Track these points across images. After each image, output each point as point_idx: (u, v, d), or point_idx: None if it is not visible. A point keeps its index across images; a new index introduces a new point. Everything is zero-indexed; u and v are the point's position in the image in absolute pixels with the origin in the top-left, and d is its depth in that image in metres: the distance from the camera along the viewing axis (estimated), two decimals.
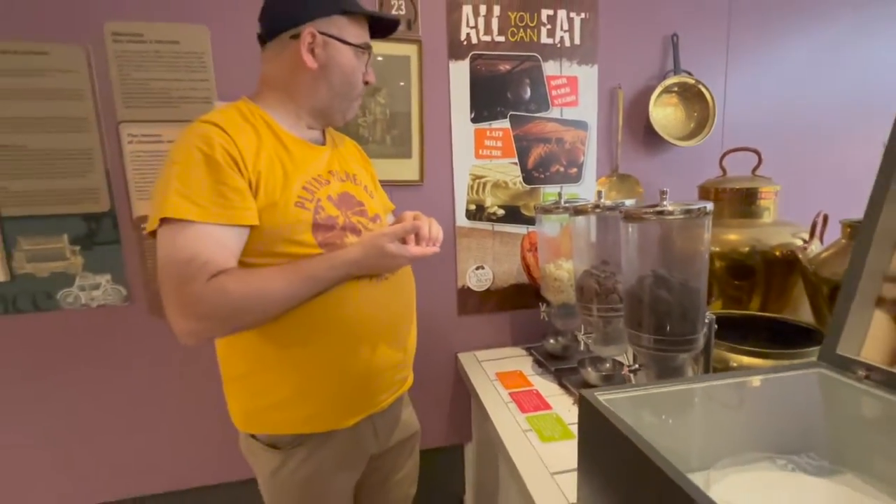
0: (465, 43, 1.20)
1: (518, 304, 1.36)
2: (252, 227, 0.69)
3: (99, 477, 1.18)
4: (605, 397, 0.61)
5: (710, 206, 0.72)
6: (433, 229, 0.79)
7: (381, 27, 0.85)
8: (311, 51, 0.75)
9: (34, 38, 0.99)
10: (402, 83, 1.18)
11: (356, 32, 0.78)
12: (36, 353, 1.09)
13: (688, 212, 0.72)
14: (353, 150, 0.94)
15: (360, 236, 0.77)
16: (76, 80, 1.02)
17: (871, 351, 0.64)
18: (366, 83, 0.82)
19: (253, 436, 0.79)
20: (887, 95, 1.54)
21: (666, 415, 0.66)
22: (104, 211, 1.07)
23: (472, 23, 1.19)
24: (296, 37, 0.74)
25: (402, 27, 1.15)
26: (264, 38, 0.78)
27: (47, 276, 1.07)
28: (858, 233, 0.66)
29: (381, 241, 0.73)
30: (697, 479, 0.60)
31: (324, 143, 0.84)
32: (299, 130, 0.80)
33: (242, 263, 0.70)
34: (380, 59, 1.14)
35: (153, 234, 0.67)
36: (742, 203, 1.17)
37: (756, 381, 0.68)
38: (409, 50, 1.16)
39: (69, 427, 1.14)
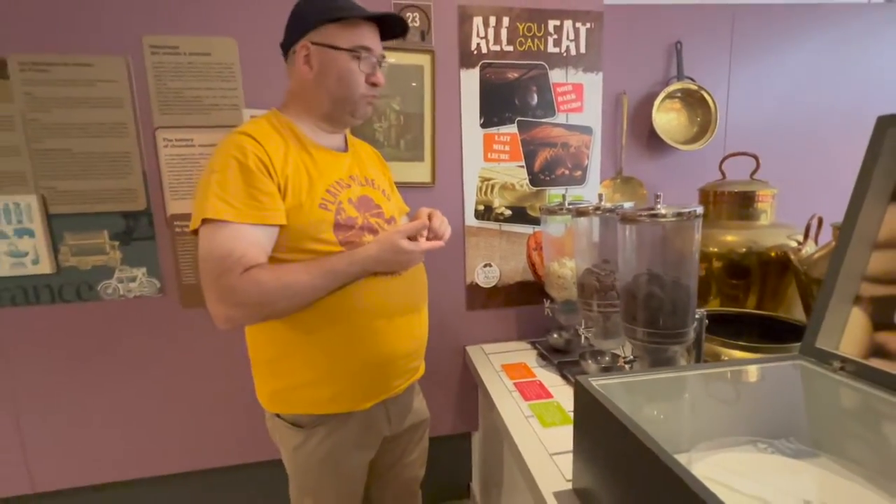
0: (475, 52, 1.27)
1: (524, 300, 1.43)
2: (281, 227, 0.77)
3: (131, 455, 1.28)
4: (598, 383, 0.67)
5: (700, 209, 0.78)
6: (442, 226, 0.88)
7: (392, 28, 0.88)
8: (309, 62, 0.82)
9: (81, 50, 1.09)
10: (415, 91, 1.25)
11: (350, 37, 0.81)
12: (79, 340, 1.19)
13: (679, 214, 0.78)
14: (372, 156, 1.02)
15: (377, 235, 0.85)
16: (117, 89, 1.11)
17: (849, 345, 0.69)
18: (373, 84, 0.85)
19: (278, 415, 0.87)
20: (884, 102, 1.56)
21: (656, 400, 0.72)
22: (141, 209, 1.17)
23: (482, 33, 1.26)
24: (296, 53, 0.83)
25: (416, 38, 1.23)
26: (286, 62, 0.87)
27: (89, 269, 1.16)
28: (839, 235, 0.71)
29: (395, 237, 0.80)
30: (681, 459, 0.66)
31: (346, 150, 0.92)
32: (321, 138, 0.87)
33: (273, 259, 0.78)
34: (391, 61, 1.17)
35: (195, 232, 0.75)
36: (740, 206, 1.22)
37: (741, 371, 0.74)
38: (423, 59, 1.24)
39: (108, 408, 1.24)
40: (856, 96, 1.55)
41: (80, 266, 1.16)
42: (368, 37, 0.84)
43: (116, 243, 1.17)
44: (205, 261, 0.73)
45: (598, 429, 0.63)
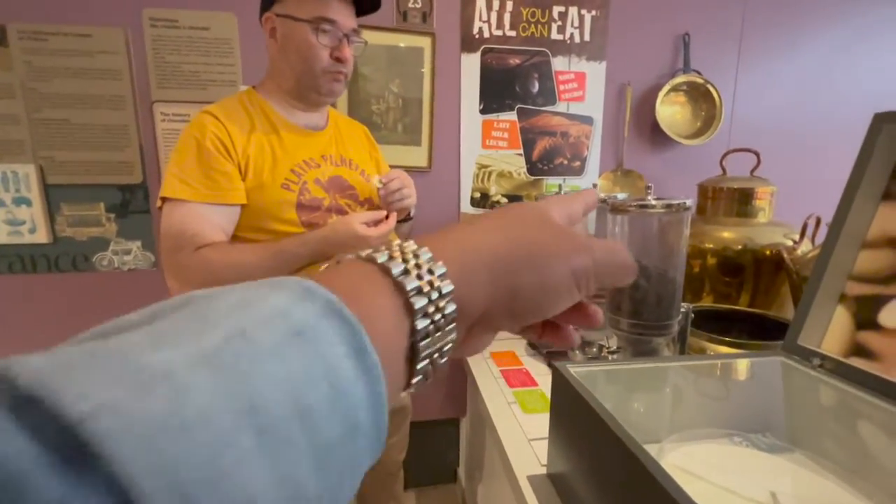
0: (477, 37, 1.25)
1: None
2: (243, 206, 0.78)
3: None
4: (576, 370, 0.68)
5: (689, 202, 0.77)
6: (401, 191, 0.85)
7: (365, 3, 0.84)
8: (274, 35, 0.80)
9: (80, 21, 1.09)
10: (415, 73, 1.24)
11: (312, 7, 0.77)
12: (72, 309, 1.21)
13: (668, 206, 0.77)
14: (358, 134, 0.99)
15: (318, 216, 0.83)
16: (116, 61, 1.12)
17: (831, 343, 0.69)
18: (337, 59, 0.81)
19: None
20: (892, 100, 1.53)
21: (635, 389, 0.72)
22: (137, 183, 1.17)
23: (484, 17, 1.24)
24: (264, 24, 0.82)
25: (417, 20, 1.22)
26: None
27: (85, 240, 1.18)
28: (828, 233, 0.70)
29: (352, 221, 0.77)
30: (654, 448, 0.66)
31: (324, 128, 0.90)
32: (295, 116, 0.86)
33: (236, 238, 0.79)
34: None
35: (161, 209, 0.77)
36: (738, 202, 1.20)
37: (721, 364, 0.74)
38: (423, 42, 1.22)
39: None
40: (866, 95, 1.52)
41: (77, 237, 1.17)
42: (334, 8, 0.79)
43: (112, 215, 1.18)
44: (162, 238, 0.75)
45: (572, 415, 0.63)
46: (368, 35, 1.18)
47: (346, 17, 0.81)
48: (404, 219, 0.96)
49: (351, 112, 1.22)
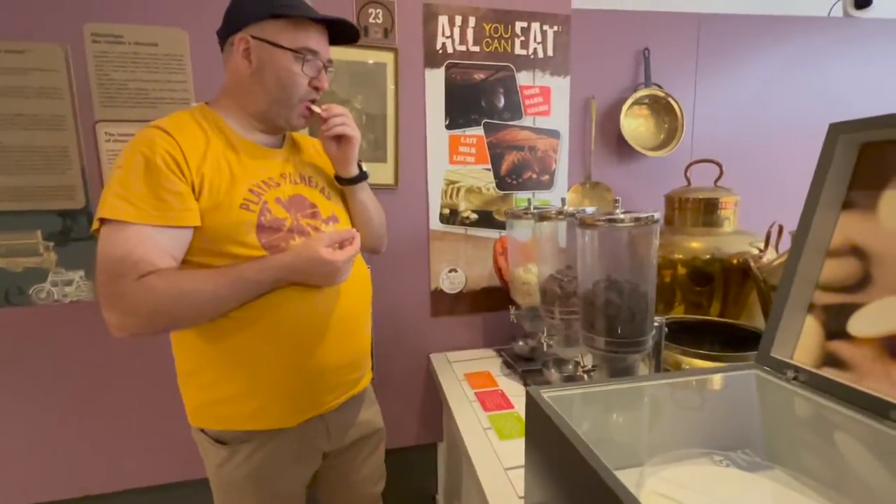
0: (440, 52, 1.24)
1: (490, 306, 1.40)
2: (196, 228, 0.71)
3: (69, 471, 1.19)
4: (550, 394, 0.64)
5: (657, 215, 0.76)
6: (342, 116, 0.85)
7: (343, 33, 0.83)
8: (248, 57, 0.76)
9: (14, 36, 1.01)
10: (378, 89, 1.21)
11: (294, 37, 0.76)
12: (6, 348, 1.10)
13: (637, 220, 0.76)
14: (314, 151, 0.95)
15: (284, 239, 0.78)
16: (54, 78, 1.04)
17: (803, 354, 0.68)
18: (316, 89, 0.81)
19: (202, 430, 0.81)
20: (842, 113, 1.60)
21: (613, 411, 0.69)
22: (79, 208, 1.09)
23: (447, 33, 1.23)
24: (234, 44, 0.77)
25: (378, 35, 1.19)
26: (222, 50, 0.81)
27: (20, 272, 1.08)
28: (792, 243, 0.70)
29: (315, 245, 0.73)
30: (635, 473, 0.63)
31: (280, 147, 0.86)
32: (252, 134, 0.81)
33: (190, 262, 0.72)
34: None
35: (97, 233, 0.69)
36: (704, 212, 1.21)
37: (698, 381, 0.72)
38: (386, 57, 1.20)
39: (37, 419, 1.15)
40: (816, 107, 1.59)
41: (11, 268, 1.07)
42: (315, 38, 0.78)
43: (51, 244, 1.08)
44: (99, 264, 0.67)
45: (546, 444, 0.60)
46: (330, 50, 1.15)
47: (324, 48, 0.81)
48: (358, 177, 0.91)
49: (313, 128, 1.17)
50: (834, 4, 1.62)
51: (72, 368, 1.15)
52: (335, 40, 0.84)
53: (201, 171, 0.72)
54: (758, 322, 1.12)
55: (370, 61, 1.19)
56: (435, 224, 1.31)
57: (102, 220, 0.67)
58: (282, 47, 0.76)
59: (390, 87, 1.21)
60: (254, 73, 0.77)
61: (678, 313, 1.20)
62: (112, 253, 0.66)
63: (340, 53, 1.16)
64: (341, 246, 0.77)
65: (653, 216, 0.76)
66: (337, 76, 1.17)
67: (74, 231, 1.09)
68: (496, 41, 1.27)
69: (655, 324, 0.81)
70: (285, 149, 0.86)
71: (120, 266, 0.66)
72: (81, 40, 1.04)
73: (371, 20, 1.17)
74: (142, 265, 0.66)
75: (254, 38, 0.75)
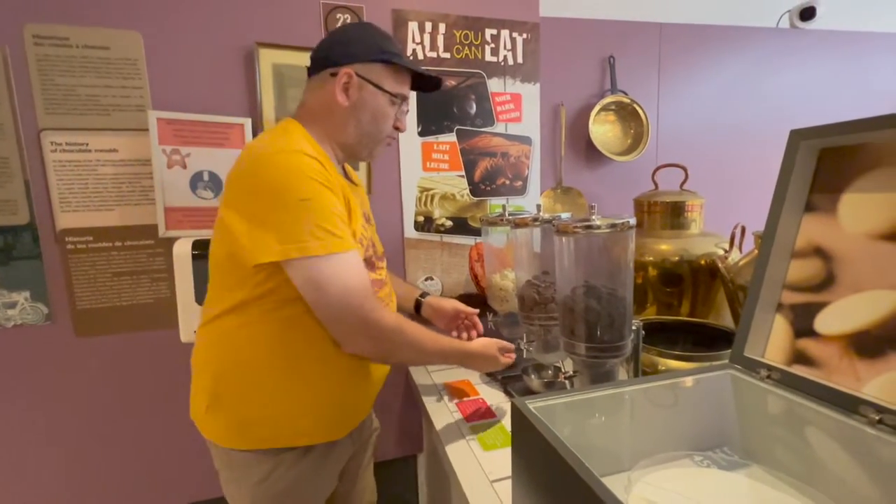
0: (411, 58, 1.22)
1: None
2: None
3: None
4: (535, 404, 0.63)
5: (633, 220, 0.77)
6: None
7: (425, 82, 0.90)
8: (346, 90, 0.80)
9: None
10: None
11: (394, 82, 0.83)
12: None
13: (613, 226, 0.77)
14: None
15: (377, 273, 0.86)
16: None
17: (774, 352, 0.70)
18: (396, 128, 0.87)
19: (239, 450, 0.79)
20: (793, 117, 1.70)
21: (597, 418, 0.69)
22: (23, 224, 1.00)
23: (417, 39, 1.22)
24: (335, 75, 0.79)
25: None
26: (310, 72, 0.84)
27: None
28: (760, 245, 0.72)
29: (494, 348, 0.90)
30: (622, 479, 0.63)
31: (354, 183, 0.91)
32: (337, 165, 0.84)
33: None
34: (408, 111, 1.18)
35: (262, 263, 0.70)
36: (671, 215, 1.25)
37: (676, 383, 0.73)
38: None
39: None
40: (770, 112, 1.67)
41: None
42: (408, 86, 0.87)
43: None
44: (343, 297, 0.71)
45: (534, 455, 0.59)
46: (295, 56, 1.11)
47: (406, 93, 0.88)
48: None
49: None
50: (782, 16, 1.72)
51: (17, 399, 1.05)
52: (416, 86, 0.90)
53: (342, 199, 0.76)
54: (726, 320, 1.16)
55: None
56: (410, 232, 1.29)
57: (301, 257, 0.69)
58: (383, 90, 0.81)
59: None
60: (350, 107, 0.81)
61: (650, 314, 1.23)
62: (351, 283, 0.71)
63: (307, 60, 1.13)
64: (505, 349, 0.92)
65: (628, 221, 0.77)
66: (304, 82, 1.13)
67: (17, 248, 1.01)
68: (466, 48, 1.27)
69: (633, 327, 0.82)
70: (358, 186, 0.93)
71: (362, 295, 0.72)
72: (22, 42, 0.97)
73: (339, 25, 1.14)
74: (371, 291, 0.74)
75: (358, 75, 0.79)
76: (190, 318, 0.99)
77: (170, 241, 1.04)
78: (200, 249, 1.00)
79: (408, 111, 0.90)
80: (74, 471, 1.11)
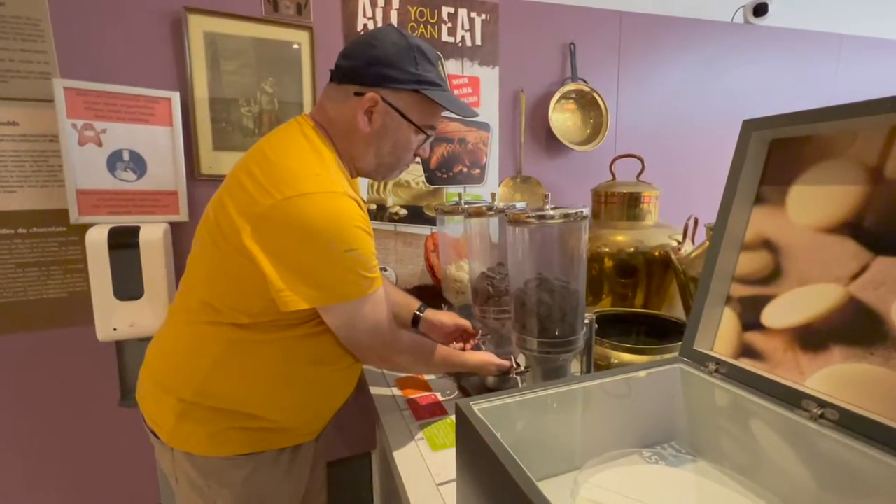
0: (362, 34, 1.14)
1: None
2: None
3: None
4: (481, 406, 0.60)
5: (586, 210, 0.74)
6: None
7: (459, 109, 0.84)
8: (369, 115, 0.73)
9: None
10: (292, 72, 1.09)
11: (423, 113, 0.76)
12: None
13: (566, 216, 0.73)
14: None
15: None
16: None
17: (722, 345, 0.70)
18: (416, 156, 0.83)
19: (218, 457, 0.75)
20: (746, 110, 1.74)
21: (546, 416, 0.66)
22: None
23: (369, 13, 1.14)
24: (360, 94, 0.72)
25: (290, 11, 1.07)
26: (333, 75, 0.76)
27: None
28: (711, 237, 0.71)
29: (493, 367, 0.90)
30: (569, 479, 0.61)
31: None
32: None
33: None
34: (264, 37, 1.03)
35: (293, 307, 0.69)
36: (628, 206, 1.24)
37: (627, 378, 0.71)
38: (300, 37, 1.08)
39: None
40: (724, 105, 1.70)
41: None
42: (438, 115, 0.80)
43: None
44: (373, 332, 0.75)
45: (477, 459, 0.55)
46: (231, 25, 1.01)
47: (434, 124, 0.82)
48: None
49: (215, 112, 1.03)
50: (736, 11, 1.74)
51: None
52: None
53: None
54: (678, 311, 1.17)
55: (282, 39, 1.07)
56: None
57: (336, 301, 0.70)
58: (409, 121, 0.75)
59: (306, 69, 1.10)
60: (372, 134, 0.75)
61: (606, 305, 1.22)
62: (381, 321, 0.75)
63: (245, 29, 1.03)
64: (501, 368, 0.91)
65: (581, 212, 0.74)
66: (243, 55, 1.04)
67: None
68: (422, 26, 1.20)
69: (586, 321, 0.80)
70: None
71: (390, 330, 0.77)
72: None
73: (378, 30, 1.04)
74: (392, 317, 0.78)
75: (385, 101, 0.72)
76: (107, 314, 0.89)
77: (85, 229, 0.92)
78: (119, 238, 0.89)
79: (433, 137, 0.83)
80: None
